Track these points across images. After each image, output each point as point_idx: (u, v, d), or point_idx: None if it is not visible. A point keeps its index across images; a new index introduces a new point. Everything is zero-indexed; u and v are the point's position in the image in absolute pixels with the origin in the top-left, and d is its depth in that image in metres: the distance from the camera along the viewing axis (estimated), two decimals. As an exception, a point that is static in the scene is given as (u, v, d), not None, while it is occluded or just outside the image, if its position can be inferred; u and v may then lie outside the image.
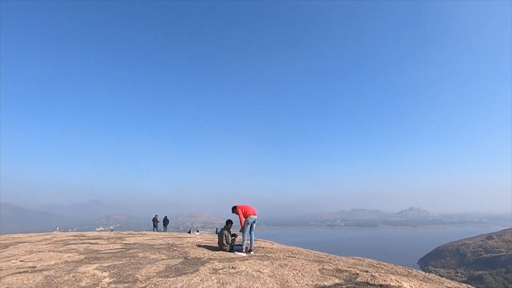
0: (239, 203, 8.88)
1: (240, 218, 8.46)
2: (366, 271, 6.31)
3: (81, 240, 11.34)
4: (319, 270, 6.26)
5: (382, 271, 8.33)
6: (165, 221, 28.30)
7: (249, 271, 5.54)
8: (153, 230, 27.43)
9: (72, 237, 13.00)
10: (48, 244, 10.06)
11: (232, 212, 8.75)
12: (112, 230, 32.32)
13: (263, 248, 10.06)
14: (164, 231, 27.55)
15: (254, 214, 8.61)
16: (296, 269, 6.06)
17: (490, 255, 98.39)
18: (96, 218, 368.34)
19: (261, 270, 5.66)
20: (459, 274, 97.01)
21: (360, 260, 11.23)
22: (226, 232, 8.57)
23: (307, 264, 6.95)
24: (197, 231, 35.19)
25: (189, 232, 32.79)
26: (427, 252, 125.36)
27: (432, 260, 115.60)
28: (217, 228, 33.00)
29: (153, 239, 11.55)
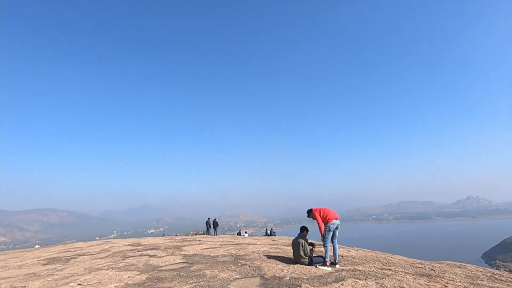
0: (314, 206, 7.32)
1: (318, 223, 6.89)
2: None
3: (138, 251, 10.68)
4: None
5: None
6: (215, 224, 27.88)
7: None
8: (206, 234, 27.26)
9: (129, 247, 12.54)
10: (107, 257, 9.48)
11: (308, 216, 7.23)
12: (163, 235, 32.82)
13: (342, 256, 8.38)
14: (214, 234, 27.13)
15: (336, 219, 6.97)
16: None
17: None
18: (147, 221, 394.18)
19: (383, 302, 4.02)
20: None
21: (460, 266, 9.01)
22: (303, 241, 7.04)
23: (425, 283, 5.19)
24: (246, 232, 34.36)
25: (239, 233, 32.09)
26: (493, 245, 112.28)
27: (500, 254, 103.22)
28: (266, 229, 31.74)
29: (212, 248, 10.49)
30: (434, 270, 7.46)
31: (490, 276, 7.55)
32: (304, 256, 6.94)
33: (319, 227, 6.87)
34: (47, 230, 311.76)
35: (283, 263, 7.10)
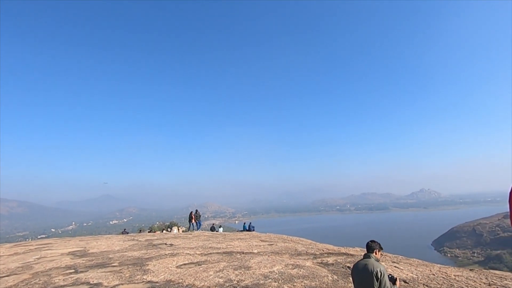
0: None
1: None
2: None
3: (76, 270, 6.81)
4: None
5: None
6: (197, 216, 24.41)
7: None
8: (191, 229, 23.77)
9: (67, 259, 8.56)
10: (16, 286, 5.58)
11: None
12: (124, 230, 28.23)
13: (406, 283, 5.43)
14: (192, 229, 23.82)
15: None
16: None
17: (508, 234, 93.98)
18: (109, 211, 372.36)
19: None
20: (475, 254, 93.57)
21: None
22: (379, 270, 3.82)
23: None
24: (220, 227, 30.99)
25: (212, 228, 28.67)
26: (441, 233, 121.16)
27: (447, 241, 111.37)
28: (244, 223, 28.55)
29: (193, 263, 6.99)
30: None
31: None
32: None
33: None
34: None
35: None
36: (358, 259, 4.22)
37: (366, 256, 4.05)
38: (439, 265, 8.85)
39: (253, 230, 25.75)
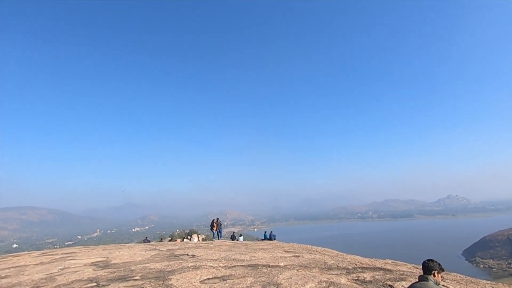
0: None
1: None
2: None
3: (98, 284, 6.57)
4: None
5: None
6: (218, 225, 24.34)
7: None
8: (214, 238, 23.72)
9: (90, 270, 8.39)
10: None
11: None
12: (145, 238, 28.42)
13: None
14: (214, 237, 23.66)
15: None
16: None
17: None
18: (132, 219, 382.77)
19: None
20: (511, 266, 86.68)
21: None
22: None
23: None
24: (241, 236, 30.54)
25: (233, 237, 28.29)
26: (472, 242, 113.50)
27: (480, 251, 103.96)
28: (265, 232, 27.95)
29: (218, 278, 6.57)
30: None
31: None
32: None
33: None
34: (26, 228, 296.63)
35: None
36: (413, 281, 3.61)
37: (423, 278, 3.45)
38: (487, 282, 7.92)
39: (274, 239, 25.09)
